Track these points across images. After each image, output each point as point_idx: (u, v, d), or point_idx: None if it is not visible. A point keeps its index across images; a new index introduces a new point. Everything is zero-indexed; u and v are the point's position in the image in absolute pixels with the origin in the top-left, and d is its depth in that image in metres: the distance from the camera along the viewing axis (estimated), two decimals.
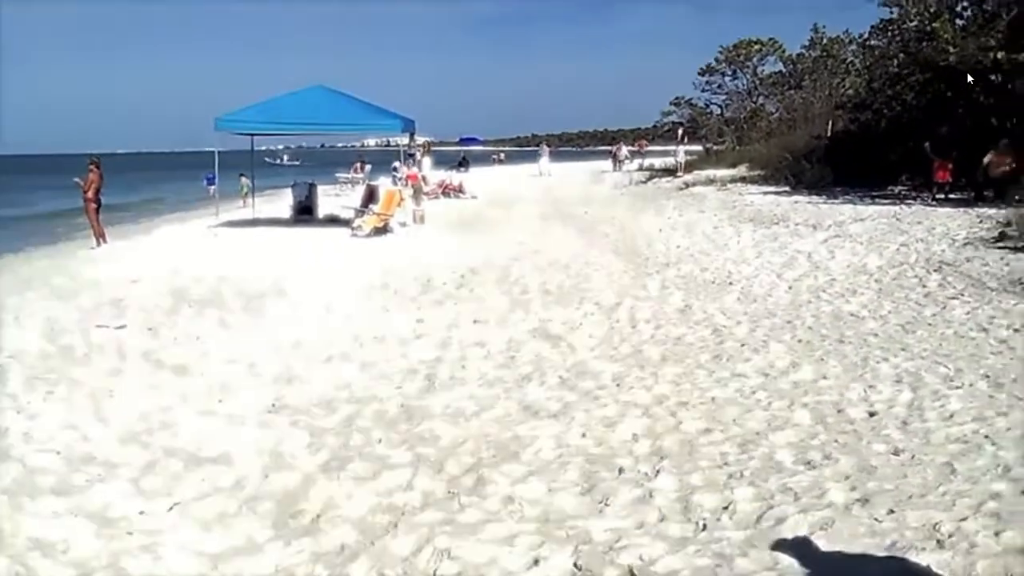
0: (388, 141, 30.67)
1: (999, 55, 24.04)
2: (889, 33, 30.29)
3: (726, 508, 5.47)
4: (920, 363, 8.91)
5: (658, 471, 6.10)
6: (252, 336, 10.61)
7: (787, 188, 30.47)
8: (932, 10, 27.57)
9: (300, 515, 5.46)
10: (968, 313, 11.26)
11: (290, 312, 12.15)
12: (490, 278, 14.81)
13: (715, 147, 51.99)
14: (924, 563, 4.63)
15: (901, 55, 28.88)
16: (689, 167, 43.09)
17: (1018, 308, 11.29)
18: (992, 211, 19.31)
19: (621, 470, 6.15)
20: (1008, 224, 16.78)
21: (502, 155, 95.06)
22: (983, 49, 24.63)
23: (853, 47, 43.69)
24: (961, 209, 20.84)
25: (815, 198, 26.71)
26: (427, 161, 37.51)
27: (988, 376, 8.34)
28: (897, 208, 22.43)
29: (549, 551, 4.86)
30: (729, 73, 54.64)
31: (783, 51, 52.83)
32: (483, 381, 8.59)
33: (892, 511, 5.32)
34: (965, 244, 16.17)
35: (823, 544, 4.91)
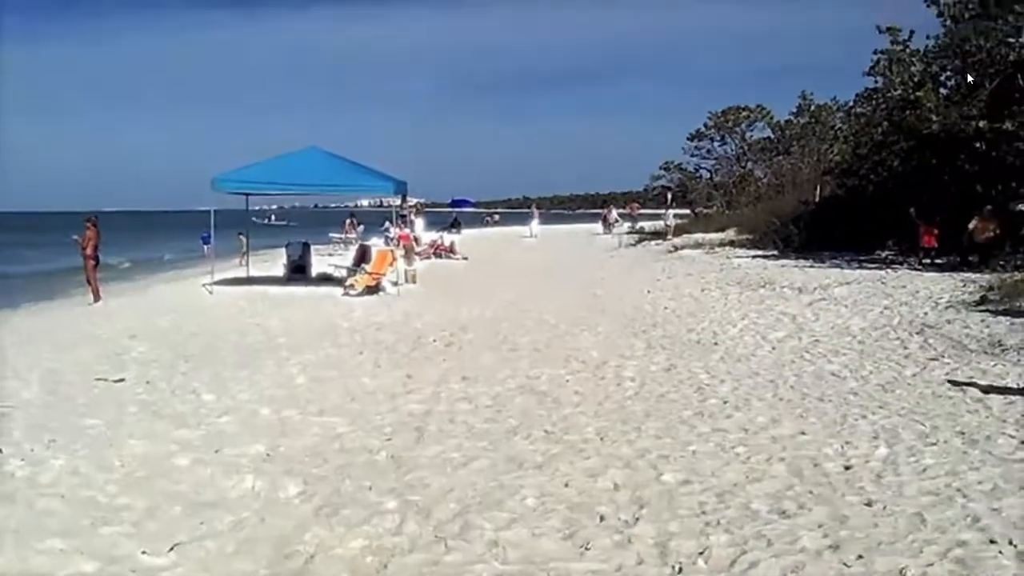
0: (381, 201, 31.13)
1: (981, 124, 24.65)
2: (874, 101, 30.94)
3: (701, 553, 5.73)
4: (897, 420, 9.20)
5: (637, 519, 6.36)
6: (247, 390, 10.85)
7: (775, 252, 30.93)
8: (916, 80, 28.24)
9: (294, 556, 5.71)
10: (947, 374, 11.58)
11: (284, 367, 12.40)
12: (479, 336, 15.10)
13: (704, 211, 52.70)
14: None
15: (885, 123, 29.47)
16: (678, 231, 43.61)
17: (995, 369, 11.63)
18: (976, 276, 19.76)
19: (602, 517, 6.41)
20: (990, 288, 17.23)
21: (496, 216, 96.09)
22: (965, 118, 25.27)
23: (840, 114, 44.46)
24: (946, 274, 21.26)
25: (802, 262, 27.14)
26: (419, 222, 38.02)
27: (963, 433, 8.63)
28: (883, 272, 22.84)
29: None
30: (718, 139, 55.71)
31: (771, 118, 53.81)
32: (470, 434, 8.83)
33: (861, 556, 5.60)
34: (947, 307, 16.54)
35: None
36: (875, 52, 29.78)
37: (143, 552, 5.70)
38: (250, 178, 23.83)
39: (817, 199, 36.70)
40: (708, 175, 57.27)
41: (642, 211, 65.60)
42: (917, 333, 14.45)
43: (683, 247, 36.33)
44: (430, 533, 6.09)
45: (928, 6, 27.29)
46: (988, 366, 11.85)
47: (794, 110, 51.74)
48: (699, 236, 39.58)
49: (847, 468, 7.64)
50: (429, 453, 8.13)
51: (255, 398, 10.38)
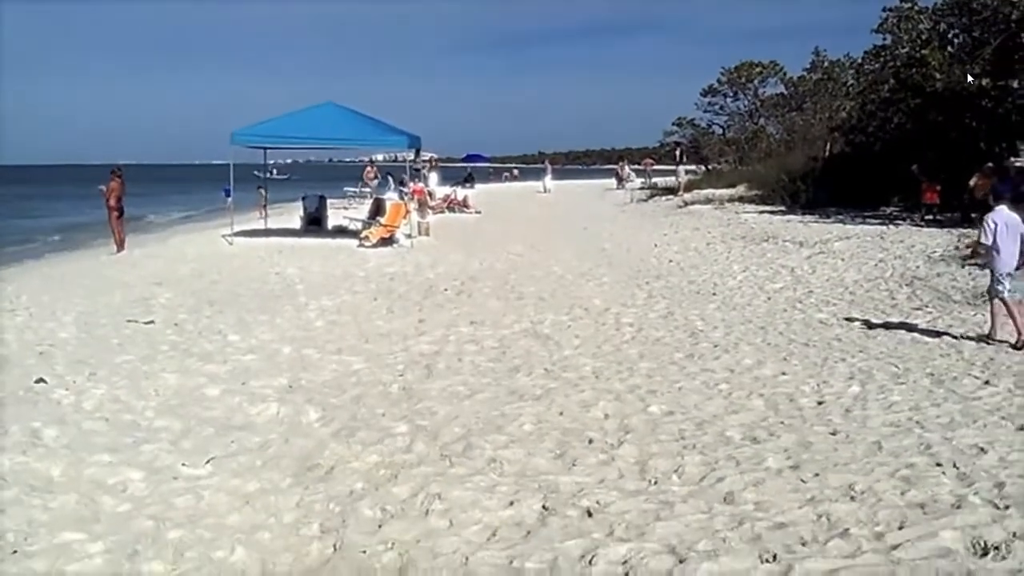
0: (396, 156, 31.63)
1: (983, 81, 25.04)
2: (882, 59, 31.20)
3: (676, 471, 6.45)
4: (874, 363, 9.89)
5: (622, 442, 7.09)
6: (269, 331, 11.59)
7: (782, 208, 31.40)
8: (924, 38, 28.56)
9: (316, 468, 6.48)
10: (928, 322, 12.26)
11: (303, 312, 13.13)
12: (488, 285, 15.81)
13: (716, 167, 53.01)
14: (834, 511, 5.58)
15: (892, 80, 29.77)
16: (690, 186, 43.98)
17: (975, 318, 12.29)
18: (974, 231, 20.23)
19: (591, 441, 7.15)
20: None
21: (515, 171, 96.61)
22: (968, 75, 25.66)
23: (852, 71, 44.59)
24: (946, 229, 21.79)
25: (807, 217, 27.69)
26: (433, 176, 38.50)
27: (932, 374, 9.33)
28: (884, 228, 23.41)
29: (523, 497, 5.86)
30: (731, 94, 55.74)
31: (784, 73, 53.83)
32: (476, 371, 9.58)
33: (817, 474, 6.30)
34: (939, 261, 17.20)
35: (752, 496, 5.89)
36: (884, 9, 30.14)
37: (182, 464, 6.47)
38: (268, 132, 24.47)
39: (826, 155, 37.07)
40: (721, 131, 57.49)
41: (656, 167, 65.89)
42: (907, 285, 15.12)
43: (693, 202, 36.84)
44: (436, 451, 6.83)
45: None
46: (968, 315, 12.56)
47: (807, 66, 51.78)
48: (709, 192, 39.99)
49: (819, 403, 8.35)
50: (437, 386, 8.87)
51: (276, 338, 11.13)
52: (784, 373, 9.50)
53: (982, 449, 6.78)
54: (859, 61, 36.18)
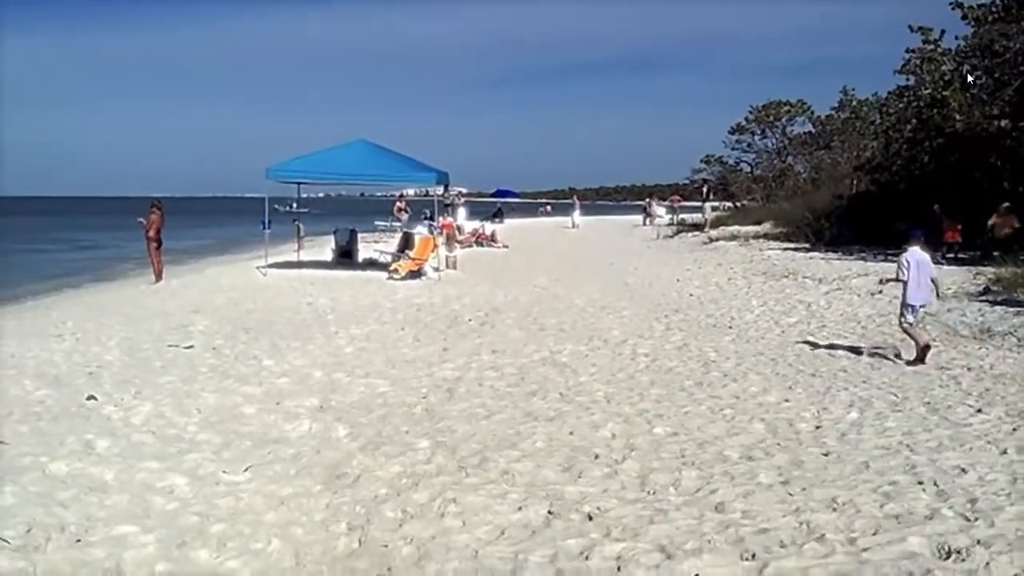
0: (427, 191, 32.43)
1: (1003, 123, 25.49)
2: (905, 99, 31.63)
3: (674, 483, 7.02)
4: (875, 392, 10.40)
5: (626, 458, 7.67)
6: (301, 357, 12.26)
7: (806, 245, 31.86)
8: (946, 79, 29.03)
9: (344, 476, 7.12)
10: (932, 355, 12.72)
11: (333, 339, 13.79)
12: (511, 317, 16.43)
13: (744, 204, 53.50)
14: (815, 520, 6.13)
15: (914, 120, 30.21)
16: (717, 223, 44.50)
17: (978, 352, 12.78)
18: (992, 269, 20.65)
19: (597, 456, 7.73)
20: (995, 281, 18.22)
21: (549, 207, 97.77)
22: (988, 117, 26.11)
23: (877, 110, 44.95)
24: (965, 267, 22.15)
25: (830, 254, 28.17)
26: (461, 211, 39.29)
27: (929, 403, 9.83)
28: None
29: (530, 503, 6.45)
30: (759, 132, 56.19)
31: (812, 112, 54.25)
32: (495, 395, 10.19)
33: (804, 489, 6.85)
34: (952, 297, 17.58)
35: (741, 506, 6.44)
36: (907, 51, 30.62)
37: (223, 471, 7.12)
38: (301, 168, 25.37)
39: (852, 194, 37.51)
40: (748, 168, 57.97)
41: (684, 203, 66.42)
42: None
43: (718, 239, 37.39)
44: (454, 464, 7.44)
45: (952, 8, 28.04)
46: (972, 349, 13.03)
47: (835, 105, 52.18)
48: (735, 228, 40.53)
49: (817, 427, 8.88)
50: (458, 408, 9.49)
51: (308, 363, 11.80)
52: (787, 400, 10.02)
53: (963, 470, 7.28)
54: (883, 101, 36.61)
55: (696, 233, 42.73)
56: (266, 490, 6.71)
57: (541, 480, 7.04)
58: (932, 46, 29.99)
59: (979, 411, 9.38)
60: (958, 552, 5.54)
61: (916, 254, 12.74)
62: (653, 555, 5.49)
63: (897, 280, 12.87)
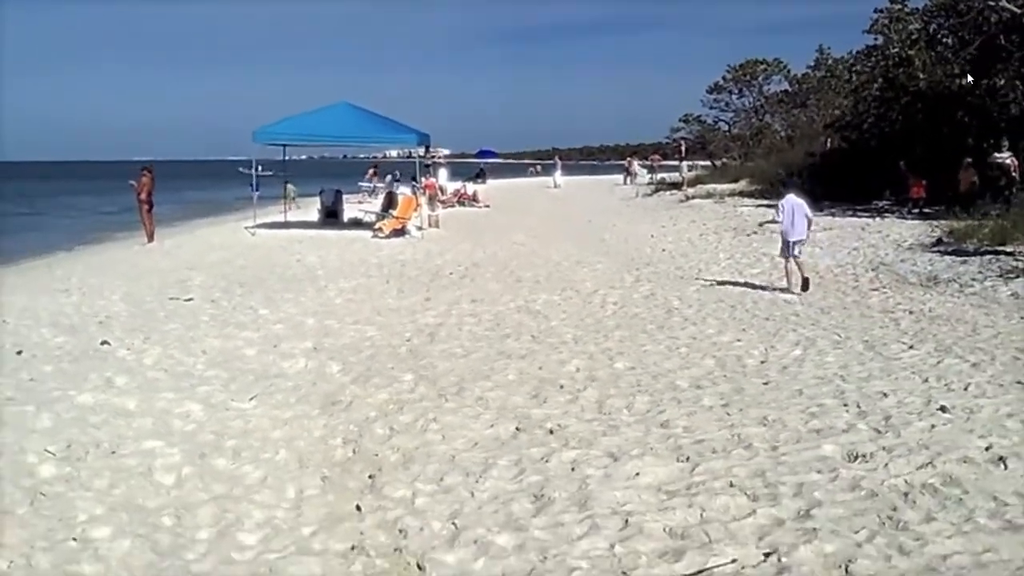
0: (409, 152, 33.12)
1: (963, 81, 26.38)
2: (873, 58, 32.36)
3: (627, 407, 8.02)
4: (821, 332, 11.40)
5: (587, 388, 8.68)
6: (294, 307, 13.20)
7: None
8: (913, 38, 29.78)
9: (338, 403, 8.12)
10: (880, 300, 13.76)
11: (323, 292, 14.73)
12: (490, 271, 17.42)
13: (722, 163, 54.33)
14: (745, 433, 7.12)
15: (881, 79, 31.00)
16: (695, 181, 45.27)
17: (922, 297, 13.82)
18: (952, 223, 21.55)
19: (561, 386, 8.74)
20: (949, 233, 19.22)
21: (538, 167, 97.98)
22: (950, 76, 27.00)
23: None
24: (928, 221, 23.03)
25: None
26: (443, 172, 40.01)
27: (867, 340, 10.82)
28: (869, 220, 24.71)
29: (501, 422, 7.47)
30: (736, 92, 56.93)
31: (788, 71, 54.99)
32: (472, 337, 11.18)
33: (741, 410, 7.84)
34: (908, 249, 18.66)
35: (683, 423, 7.44)
36: (875, 11, 31.32)
37: (232, 400, 8.10)
38: (286, 131, 26.10)
39: (824, 151, 38.32)
40: (727, 127, 58.77)
41: (663, 163, 67.08)
42: (872, 270, 16.63)
43: (695, 197, 38.26)
44: (435, 392, 8.46)
45: None
46: (917, 295, 14.07)
47: (811, 64, 52.82)
48: (712, 186, 41.39)
49: (762, 363, 9.87)
50: (439, 349, 10.49)
51: (301, 312, 12.76)
52: (739, 340, 11.00)
53: (885, 395, 8.27)
54: (852, 60, 37.35)
55: (674, 192, 43.50)
56: (271, 414, 7.70)
57: (511, 405, 8.04)
58: (899, 6, 30.68)
59: (911, 347, 10.38)
60: (863, 456, 6.52)
61: (791, 200, 15.17)
62: (603, 459, 6.48)
63: (774, 222, 14.97)
